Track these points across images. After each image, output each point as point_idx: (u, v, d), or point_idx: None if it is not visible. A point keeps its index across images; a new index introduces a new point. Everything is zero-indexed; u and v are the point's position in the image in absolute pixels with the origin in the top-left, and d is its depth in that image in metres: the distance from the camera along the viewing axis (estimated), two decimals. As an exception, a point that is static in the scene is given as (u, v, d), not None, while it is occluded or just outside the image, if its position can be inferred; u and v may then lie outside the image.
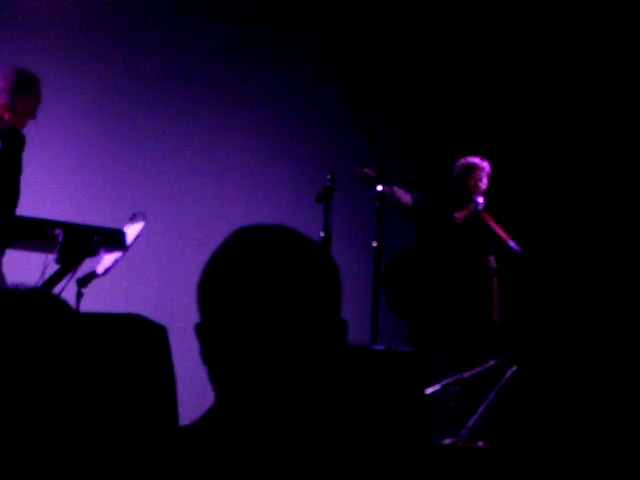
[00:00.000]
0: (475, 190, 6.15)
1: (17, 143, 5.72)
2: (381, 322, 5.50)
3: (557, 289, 6.69)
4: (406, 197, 6.08)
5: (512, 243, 5.90)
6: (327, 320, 1.53)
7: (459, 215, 6.24)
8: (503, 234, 6.03)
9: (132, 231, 5.31)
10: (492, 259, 6.33)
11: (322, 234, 5.44)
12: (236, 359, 1.50)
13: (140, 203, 6.33)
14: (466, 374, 5.05)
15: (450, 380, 5.06)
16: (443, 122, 8.02)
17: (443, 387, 5.07)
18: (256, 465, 1.48)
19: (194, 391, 3.11)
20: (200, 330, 1.53)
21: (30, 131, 6.12)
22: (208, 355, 1.53)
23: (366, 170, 5.84)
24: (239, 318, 1.49)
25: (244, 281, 1.49)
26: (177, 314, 4.78)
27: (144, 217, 5.34)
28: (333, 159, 5.92)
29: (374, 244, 5.48)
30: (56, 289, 4.98)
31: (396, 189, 5.94)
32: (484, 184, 6.17)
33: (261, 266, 1.50)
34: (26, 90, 5.64)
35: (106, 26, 7.35)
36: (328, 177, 5.55)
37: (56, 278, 4.95)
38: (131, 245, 5.30)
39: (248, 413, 1.51)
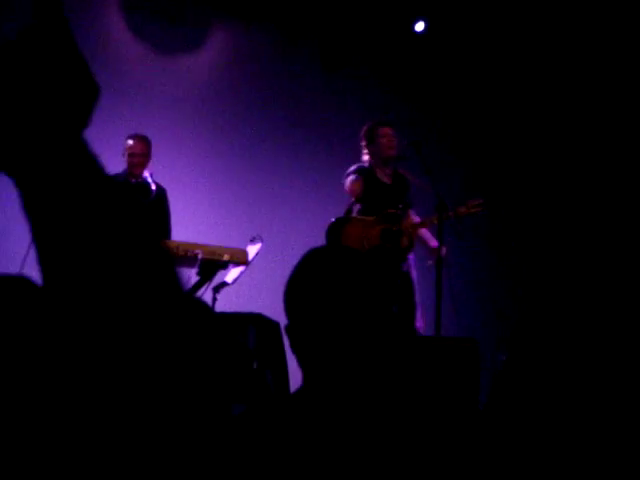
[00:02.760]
0: (391, 148, 5.97)
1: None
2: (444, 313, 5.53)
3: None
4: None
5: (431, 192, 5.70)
6: (381, 314, 1.66)
7: (387, 174, 6.05)
8: (421, 185, 5.86)
9: (252, 250, 5.66)
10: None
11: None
12: (315, 348, 1.65)
13: (258, 227, 6.57)
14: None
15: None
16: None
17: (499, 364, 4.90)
18: (334, 427, 1.62)
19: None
20: (288, 330, 1.70)
21: (177, 175, 6.63)
22: (296, 348, 1.70)
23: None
24: (315, 318, 1.64)
25: (317, 291, 1.65)
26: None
27: (261, 239, 5.70)
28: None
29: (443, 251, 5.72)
30: (197, 295, 5.13)
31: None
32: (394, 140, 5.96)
33: (329, 280, 1.65)
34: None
35: (226, 78, 7.70)
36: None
37: (197, 287, 5.26)
38: (252, 261, 5.64)
39: (327, 389, 1.65)
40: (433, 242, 6.02)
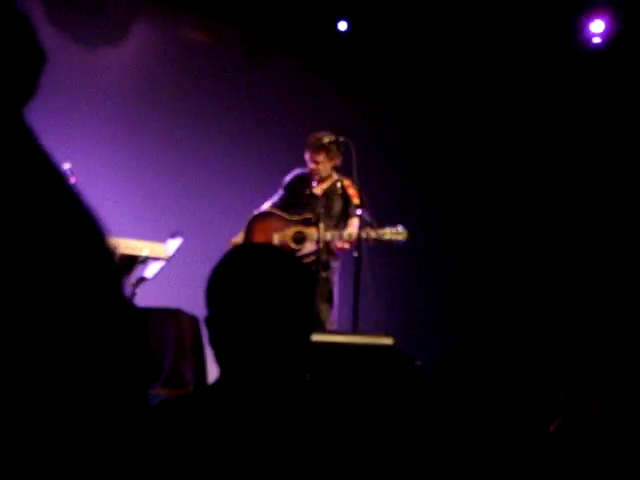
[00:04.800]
0: (321, 163, 6.00)
1: None
2: (362, 311, 5.62)
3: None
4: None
5: (360, 211, 5.83)
6: (302, 313, 1.70)
7: (321, 187, 6.11)
8: (357, 202, 5.87)
9: (173, 244, 5.61)
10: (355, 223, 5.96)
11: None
12: (234, 342, 1.67)
13: (179, 222, 6.59)
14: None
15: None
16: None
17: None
18: (247, 416, 1.65)
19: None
20: (208, 321, 1.72)
21: (96, 167, 6.50)
22: (214, 340, 1.71)
23: None
24: (236, 312, 1.66)
25: (239, 285, 1.67)
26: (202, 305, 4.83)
27: (182, 234, 5.63)
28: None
29: (355, 254, 5.82)
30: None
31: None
32: (320, 158, 5.97)
33: (252, 274, 1.68)
34: None
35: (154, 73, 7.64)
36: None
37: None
38: (172, 256, 5.58)
39: (243, 381, 1.67)
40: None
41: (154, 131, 7.67)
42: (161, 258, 5.58)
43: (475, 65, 7.86)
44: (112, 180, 7.37)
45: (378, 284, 5.90)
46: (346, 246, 6.00)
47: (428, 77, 7.99)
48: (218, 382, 1.72)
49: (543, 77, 7.76)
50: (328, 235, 5.99)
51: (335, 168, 6.15)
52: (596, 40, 7.70)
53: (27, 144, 0.88)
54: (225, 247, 5.68)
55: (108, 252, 0.98)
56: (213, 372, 4.89)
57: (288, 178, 6.23)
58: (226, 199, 7.65)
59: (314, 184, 6.13)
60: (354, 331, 5.51)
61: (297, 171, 6.24)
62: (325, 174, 6.10)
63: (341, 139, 5.96)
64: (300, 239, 6.02)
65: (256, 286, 1.67)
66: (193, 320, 5.35)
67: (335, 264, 6.17)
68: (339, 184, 6.11)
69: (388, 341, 5.04)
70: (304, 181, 6.18)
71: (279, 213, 6.12)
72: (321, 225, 5.97)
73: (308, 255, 5.90)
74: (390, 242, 5.81)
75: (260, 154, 7.66)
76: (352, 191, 5.99)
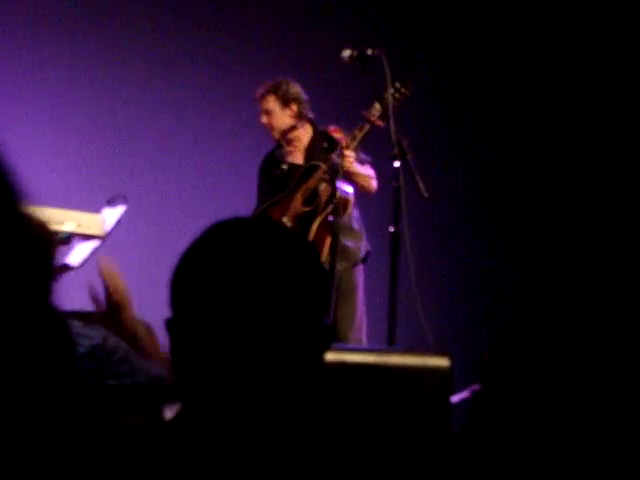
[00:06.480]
0: (273, 113, 5.69)
1: None
2: (400, 321, 4.91)
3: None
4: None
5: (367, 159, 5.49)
6: (307, 323, 1.48)
7: (298, 150, 5.79)
8: (343, 140, 5.44)
9: (111, 215, 4.96)
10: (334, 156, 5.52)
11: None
12: (204, 360, 1.48)
13: (120, 184, 6.10)
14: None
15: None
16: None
17: (473, 393, 4.42)
18: (217, 472, 1.48)
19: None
20: (170, 326, 1.56)
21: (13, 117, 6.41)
22: (176, 354, 1.54)
23: None
24: (210, 316, 1.48)
25: (218, 277, 1.48)
26: (160, 306, 4.62)
27: (125, 200, 4.97)
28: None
29: (391, 229, 5.01)
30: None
31: None
32: (270, 105, 5.66)
33: (236, 262, 1.47)
34: None
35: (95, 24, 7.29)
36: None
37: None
38: (110, 232, 4.91)
39: (215, 420, 1.48)
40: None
41: (84, 66, 7.21)
42: (94, 235, 4.89)
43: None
44: (28, 129, 6.91)
45: (422, 278, 5.20)
46: (361, 170, 5.46)
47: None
48: (176, 420, 1.52)
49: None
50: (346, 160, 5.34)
51: (301, 116, 5.69)
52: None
53: None
54: (188, 221, 5.86)
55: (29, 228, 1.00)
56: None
57: (259, 166, 5.97)
58: (187, 154, 7.18)
59: (289, 153, 5.80)
60: (390, 346, 4.82)
61: (264, 154, 6.00)
62: (285, 126, 5.67)
63: (369, 52, 5.08)
64: (311, 197, 5.57)
65: (242, 279, 1.45)
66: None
67: (358, 249, 5.63)
68: (319, 135, 5.71)
69: (443, 362, 4.21)
70: (278, 157, 5.88)
71: (273, 199, 5.77)
72: (322, 166, 5.46)
73: (330, 204, 5.35)
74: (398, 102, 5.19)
75: (222, 104, 7.16)
76: (339, 135, 5.51)
